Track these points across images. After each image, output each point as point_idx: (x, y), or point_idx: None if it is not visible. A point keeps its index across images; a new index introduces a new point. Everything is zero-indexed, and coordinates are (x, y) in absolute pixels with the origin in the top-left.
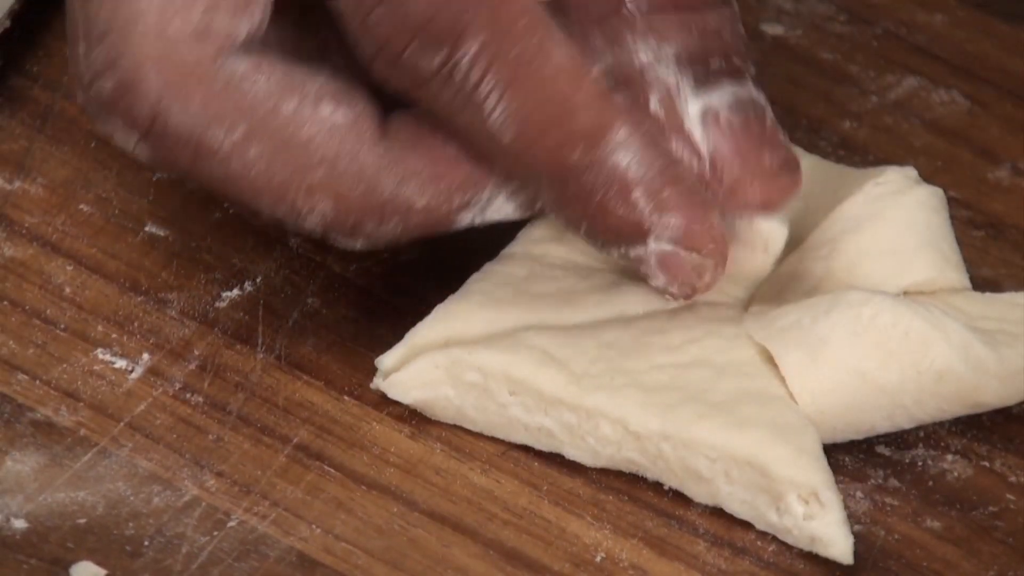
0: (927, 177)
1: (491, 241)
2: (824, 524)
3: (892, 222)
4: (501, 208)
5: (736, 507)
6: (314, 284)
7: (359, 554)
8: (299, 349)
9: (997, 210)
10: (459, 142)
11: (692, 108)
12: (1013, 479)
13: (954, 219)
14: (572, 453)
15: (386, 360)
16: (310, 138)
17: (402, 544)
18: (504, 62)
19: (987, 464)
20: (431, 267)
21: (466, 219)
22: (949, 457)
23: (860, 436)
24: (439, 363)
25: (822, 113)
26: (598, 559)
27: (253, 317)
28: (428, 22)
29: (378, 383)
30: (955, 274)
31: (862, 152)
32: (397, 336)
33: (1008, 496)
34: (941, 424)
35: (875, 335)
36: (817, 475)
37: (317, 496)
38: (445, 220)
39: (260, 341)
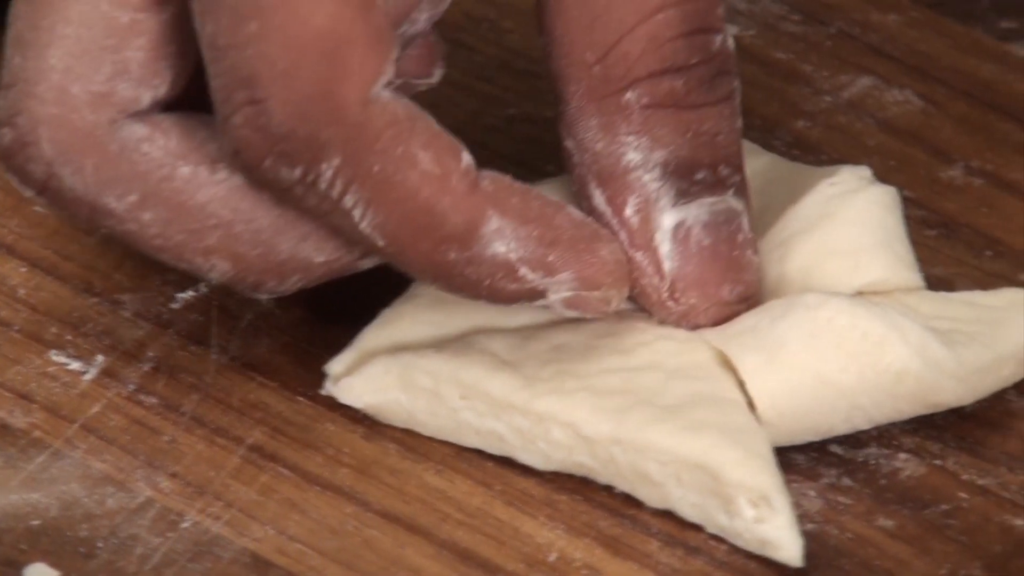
0: (881, 176)
1: None
2: (774, 527)
3: (845, 222)
4: None
5: (687, 510)
6: None
7: (313, 555)
8: (253, 350)
9: (950, 209)
10: None
11: (667, 221)
12: (966, 477)
13: (907, 218)
14: (524, 457)
15: (335, 365)
16: (206, 202)
17: (356, 545)
18: (366, 178)
19: (940, 463)
20: (386, 268)
21: (370, 262)
22: (902, 456)
23: (818, 438)
24: (390, 368)
25: (776, 113)
26: (551, 559)
27: (207, 318)
28: (288, 136)
29: (329, 388)
30: (909, 273)
31: (816, 151)
32: (351, 338)
33: (960, 495)
34: (894, 423)
35: (832, 337)
36: (768, 478)
37: (271, 497)
38: (349, 267)
39: (214, 342)
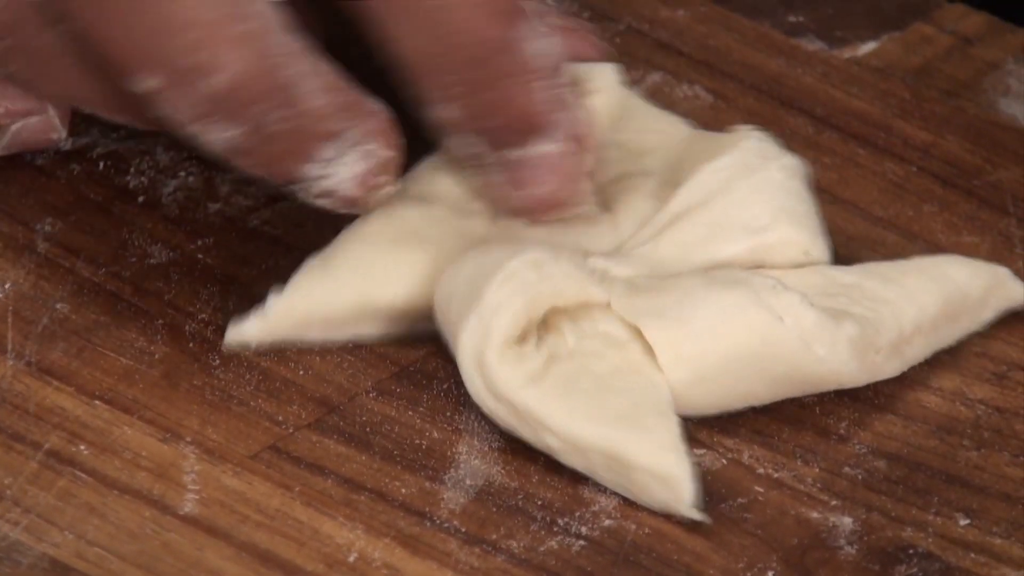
0: None
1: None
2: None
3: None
4: None
5: None
6: (63, 289)
7: (112, 559)
8: (49, 355)
9: None
10: None
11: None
12: (761, 471)
13: None
14: None
15: (247, 332)
16: None
17: (155, 548)
18: None
19: (735, 457)
20: (180, 270)
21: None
22: (698, 451)
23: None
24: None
25: None
26: (351, 559)
27: (3, 323)
28: None
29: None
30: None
31: None
32: (147, 339)
33: (756, 488)
34: (689, 418)
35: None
36: None
37: (69, 502)
38: None
39: (10, 347)
